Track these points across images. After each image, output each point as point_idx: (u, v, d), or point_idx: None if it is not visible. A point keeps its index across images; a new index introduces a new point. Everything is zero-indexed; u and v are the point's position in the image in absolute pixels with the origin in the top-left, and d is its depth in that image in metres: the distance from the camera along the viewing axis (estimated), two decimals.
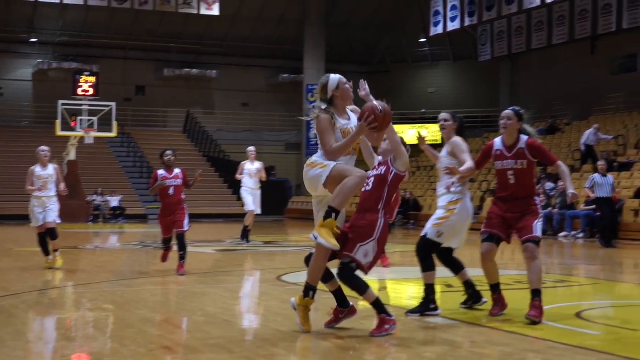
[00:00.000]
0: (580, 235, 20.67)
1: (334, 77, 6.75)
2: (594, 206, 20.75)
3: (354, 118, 6.78)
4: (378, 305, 6.41)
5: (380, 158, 7.06)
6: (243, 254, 15.61)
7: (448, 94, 38.89)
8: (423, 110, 38.16)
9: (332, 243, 6.32)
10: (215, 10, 34.52)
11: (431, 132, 35.54)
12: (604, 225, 18.15)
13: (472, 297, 7.81)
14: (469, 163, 7.54)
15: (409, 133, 37.32)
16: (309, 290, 6.54)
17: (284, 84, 39.94)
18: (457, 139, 7.73)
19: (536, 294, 7.14)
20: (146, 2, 33.64)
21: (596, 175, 17.89)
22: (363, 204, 6.62)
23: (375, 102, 6.62)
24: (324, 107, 6.65)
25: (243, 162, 17.29)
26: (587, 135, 25.70)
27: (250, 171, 17.04)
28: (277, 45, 39.58)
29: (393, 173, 6.66)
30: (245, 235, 17.25)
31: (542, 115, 31.95)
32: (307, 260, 6.68)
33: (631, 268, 14.30)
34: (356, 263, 6.36)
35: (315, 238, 6.39)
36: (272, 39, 39.45)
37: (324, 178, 6.44)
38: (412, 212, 28.25)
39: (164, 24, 37.37)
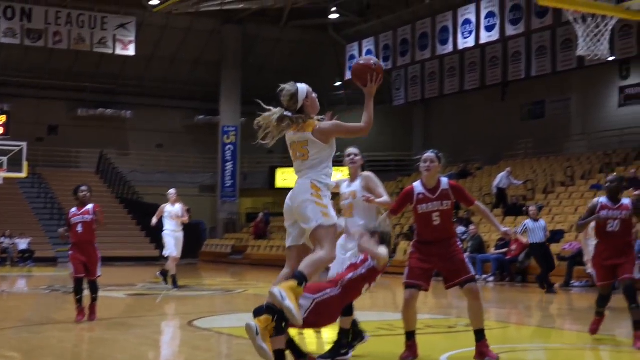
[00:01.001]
0: (491, 278, 20.98)
1: (303, 86, 6.57)
2: (504, 250, 21.15)
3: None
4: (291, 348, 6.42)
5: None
6: (155, 298, 15.39)
7: (362, 137, 39.15)
8: (338, 153, 38.32)
9: (298, 317, 5.88)
10: (131, 51, 34.31)
11: (345, 176, 35.79)
12: (543, 271, 17.94)
13: (357, 335, 7.78)
14: (386, 197, 7.64)
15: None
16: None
17: (200, 126, 39.81)
18: (371, 173, 7.82)
19: (481, 334, 7.33)
20: (60, 41, 33.24)
21: (528, 220, 18.10)
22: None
23: (363, 61, 6.59)
24: (286, 114, 6.42)
25: (163, 205, 17.06)
26: (500, 178, 26.23)
27: (171, 214, 16.85)
28: (193, 86, 39.47)
29: (371, 267, 6.61)
30: (174, 281, 16.89)
31: (454, 159, 32.49)
32: (257, 312, 6.42)
33: (540, 311, 14.55)
34: None
35: (282, 299, 5.85)
36: (188, 80, 39.35)
37: (315, 224, 6.16)
38: None
39: (78, 63, 36.94)
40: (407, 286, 7.46)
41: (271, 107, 6.55)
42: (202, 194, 38.57)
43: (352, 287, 6.52)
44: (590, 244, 13.25)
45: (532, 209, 18.46)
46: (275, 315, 5.89)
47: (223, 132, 37.34)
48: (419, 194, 7.59)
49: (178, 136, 39.87)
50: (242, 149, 37.56)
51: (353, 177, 7.89)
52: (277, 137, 6.50)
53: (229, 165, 37.35)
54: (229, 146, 37.30)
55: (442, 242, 7.47)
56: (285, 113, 6.41)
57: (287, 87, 6.56)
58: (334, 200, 6.49)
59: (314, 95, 6.58)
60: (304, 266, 6.09)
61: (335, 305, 6.41)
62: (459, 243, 7.60)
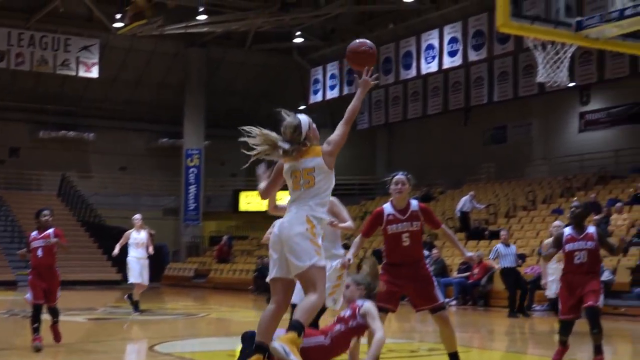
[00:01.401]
0: (453, 302, 21.05)
1: (305, 117, 6.44)
2: (467, 273, 21.25)
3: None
4: None
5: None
6: (116, 322, 15.24)
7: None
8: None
9: None
10: (94, 73, 34.15)
11: None
12: (511, 295, 17.98)
13: None
14: (350, 222, 7.68)
15: (286, 199, 37.54)
16: None
17: (163, 148, 39.64)
18: (334, 198, 7.81)
19: (455, 357, 7.36)
20: (23, 62, 33.02)
21: (499, 245, 18.18)
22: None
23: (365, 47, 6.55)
24: (287, 146, 6.24)
25: (128, 231, 16.81)
26: (463, 202, 26.37)
27: (137, 240, 16.63)
28: (157, 109, 39.32)
29: (360, 323, 6.52)
30: (135, 305, 16.71)
31: (417, 183, 32.62)
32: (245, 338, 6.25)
33: (502, 335, 14.61)
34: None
35: (287, 354, 5.71)
36: (152, 102, 39.20)
37: (309, 263, 5.90)
38: None
39: (41, 84, 36.69)
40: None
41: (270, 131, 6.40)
42: (165, 217, 38.34)
43: (340, 340, 6.45)
44: (550, 266, 13.37)
45: (503, 233, 18.57)
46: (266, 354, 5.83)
47: (187, 155, 37.21)
48: (388, 214, 7.64)
49: (141, 159, 39.67)
50: (205, 172, 37.45)
51: None
52: (267, 158, 6.38)
53: (193, 189, 37.19)
54: (192, 169, 37.16)
55: (412, 264, 7.52)
56: (289, 146, 6.24)
57: (289, 119, 6.39)
58: None
59: (314, 125, 6.49)
60: (299, 314, 5.91)
61: (323, 353, 6.36)
62: (428, 266, 7.66)
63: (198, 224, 37.61)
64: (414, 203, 7.68)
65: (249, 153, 6.37)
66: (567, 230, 8.97)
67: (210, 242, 37.89)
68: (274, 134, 6.31)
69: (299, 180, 6.20)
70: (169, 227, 37.75)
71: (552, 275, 13.49)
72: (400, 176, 7.68)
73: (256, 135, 6.33)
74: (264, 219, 41.58)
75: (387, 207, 7.70)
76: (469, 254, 7.94)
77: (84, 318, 15.94)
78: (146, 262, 16.72)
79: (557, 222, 12.63)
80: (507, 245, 18.06)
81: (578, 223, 8.92)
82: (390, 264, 7.63)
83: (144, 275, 16.66)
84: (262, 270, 28.41)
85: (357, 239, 7.67)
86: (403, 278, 7.47)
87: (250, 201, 38.11)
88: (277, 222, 6.16)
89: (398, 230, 7.56)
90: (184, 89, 37.88)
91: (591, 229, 8.88)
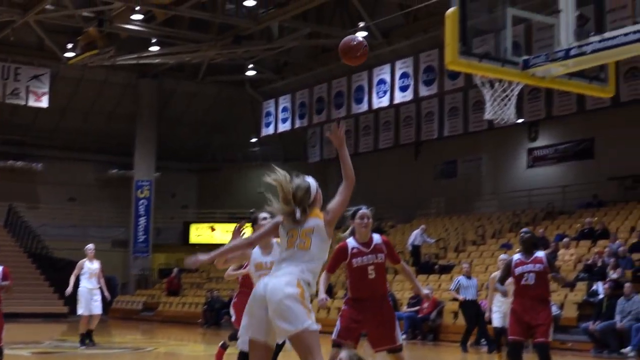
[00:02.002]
0: (403, 336, 21.02)
1: (313, 181, 6.14)
2: (417, 308, 21.30)
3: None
4: None
5: None
6: (62, 356, 14.99)
7: (277, 194, 39.16)
8: (252, 210, 38.16)
9: None
10: (44, 102, 33.80)
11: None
12: (468, 329, 18.03)
13: None
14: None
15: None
16: None
17: (113, 179, 39.28)
18: None
19: None
20: None
21: (461, 277, 18.24)
22: None
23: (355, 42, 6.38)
24: (299, 215, 5.94)
25: (81, 261, 16.63)
26: (415, 235, 26.48)
27: (90, 270, 16.46)
28: (107, 139, 39.00)
29: None
30: (89, 337, 16.48)
31: None
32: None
33: None
34: None
35: None
36: (102, 133, 38.88)
37: (302, 326, 5.55)
38: None
39: None
40: (335, 344, 7.44)
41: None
42: (114, 248, 37.91)
43: None
44: (497, 299, 13.32)
45: (465, 266, 18.67)
46: None
47: (137, 187, 36.93)
48: (352, 248, 7.61)
49: (91, 190, 39.26)
50: (156, 203, 37.18)
51: (268, 246, 7.54)
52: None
53: (142, 220, 36.88)
54: (142, 201, 36.87)
55: (376, 300, 7.48)
56: (300, 215, 5.95)
57: (299, 181, 6.11)
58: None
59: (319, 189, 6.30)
60: None
61: None
62: (391, 303, 7.64)
63: (147, 256, 37.27)
64: (377, 237, 7.70)
65: (269, 209, 6.15)
66: (516, 256, 9.14)
67: (160, 275, 37.54)
68: (290, 196, 6.00)
69: (295, 240, 5.91)
70: (118, 259, 37.34)
71: (496, 311, 13.47)
72: (364, 210, 7.68)
73: (279, 192, 6.05)
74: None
75: (351, 242, 7.68)
76: (426, 291, 7.96)
77: (29, 352, 15.64)
78: (99, 292, 16.55)
79: (503, 256, 12.75)
80: (468, 277, 18.14)
81: (527, 248, 9.05)
82: (355, 299, 7.59)
83: (98, 306, 16.46)
84: (212, 303, 28.26)
85: (322, 276, 7.59)
86: (366, 314, 7.43)
87: (201, 233, 37.92)
88: (261, 281, 5.81)
89: (363, 263, 7.53)
90: (135, 120, 37.67)
91: (540, 254, 9.02)
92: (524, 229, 9.52)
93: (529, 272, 8.87)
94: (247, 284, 7.98)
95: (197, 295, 31.59)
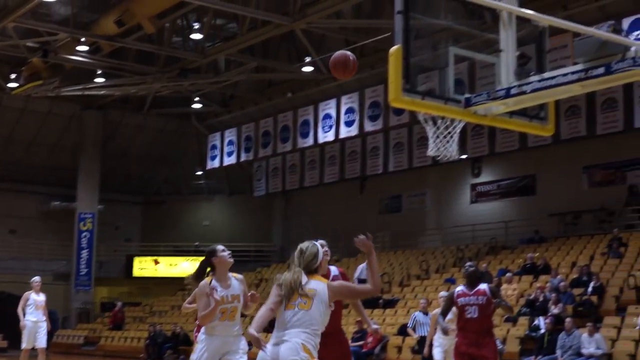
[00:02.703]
0: None
1: (319, 245, 6.32)
2: (361, 342, 21.30)
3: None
4: None
5: None
6: None
7: (223, 227, 39.15)
8: (197, 243, 38.09)
9: None
10: None
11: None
12: None
13: None
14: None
15: (182, 266, 37.11)
16: None
17: (56, 212, 38.74)
18: (241, 275, 7.72)
19: None
20: None
21: (418, 313, 18.23)
22: None
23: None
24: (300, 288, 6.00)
25: (27, 293, 16.40)
26: (360, 269, 26.26)
27: (37, 302, 16.23)
28: (50, 171, 38.51)
29: None
30: None
31: None
32: None
33: None
34: None
35: None
36: (45, 164, 38.37)
37: None
38: (183, 347, 27.74)
39: None
40: None
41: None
42: (55, 282, 37.28)
43: None
44: (438, 336, 13.29)
45: (422, 302, 18.68)
46: None
47: (79, 219, 36.45)
48: None
49: (32, 222, 38.66)
50: (98, 236, 36.74)
51: (225, 277, 7.50)
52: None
53: (85, 253, 36.39)
54: (85, 233, 36.40)
55: (333, 334, 7.33)
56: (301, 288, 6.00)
57: (307, 245, 6.22)
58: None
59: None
60: None
61: None
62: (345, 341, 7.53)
63: (89, 290, 36.74)
64: (334, 269, 7.69)
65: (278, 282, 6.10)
66: (459, 287, 9.15)
67: (102, 309, 37.03)
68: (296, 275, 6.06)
69: (295, 300, 5.94)
70: (59, 293, 36.71)
71: (437, 345, 13.43)
72: (323, 241, 7.68)
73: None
74: (157, 285, 41.01)
75: None
76: (375, 326, 7.91)
77: None
78: (44, 325, 16.32)
79: (443, 293, 12.79)
80: (425, 313, 18.14)
81: (471, 282, 9.08)
82: None
83: (43, 339, 16.23)
84: (155, 337, 27.92)
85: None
86: (324, 349, 7.38)
87: (144, 267, 37.54)
88: (269, 347, 5.81)
89: None
90: (79, 152, 37.28)
91: (483, 286, 9.02)
92: (468, 263, 9.56)
93: (472, 304, 8.88)
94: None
95: (140, 329, 31.20)
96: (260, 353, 5.83)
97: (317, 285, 5.97)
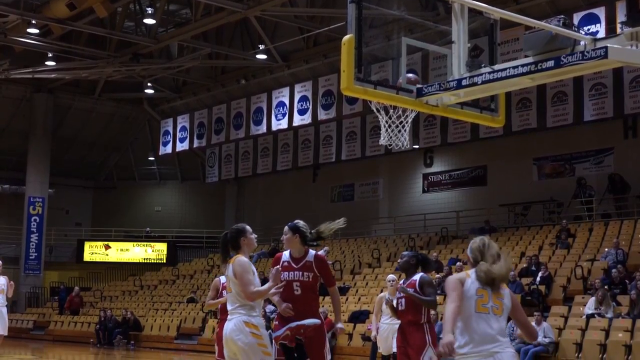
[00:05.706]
0: None
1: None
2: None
3: None
4: None
5: None
6: None
7: (174, 213, 38.98)
8: (148, 229, 37.89)
9: None
10: None
11: (155, 251, 35.36)
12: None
13: None
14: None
15: (134, 251, 36.91)
16: None
17: (5, 195, 38.23)
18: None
19: None
20: None
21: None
22: None
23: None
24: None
25: None
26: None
27: None
28: None
29: None
30: None
31: (266, 238, 32.69)
32: None
33: None
34: None
35: None
36: None
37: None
38: (133, 332, 27.64)
39: None
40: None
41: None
42: (4, 266, 36.67)
43: None
44: (384, 322, 13.15)
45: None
46: None
47: (29, 203, 36.03)
48: (284, 261, 7.55)
49: None
50: (48, 220, 36.35)
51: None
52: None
53: (34, 237, 36.00)
54: (34, 217, 36.00)
55: (300, 315, 7.31)
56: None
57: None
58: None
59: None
60: None
61: None
62: (321, 321, 7.46)
63: (39, 274, 36.37)
64: (311, 253, 7.57)
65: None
66: (402, 280, 9.05)
67: (51, 293, 36.67)
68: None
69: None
70: (8, 277, 36.26)
71: (384, 332, 13.23)
72: (285, 226, 7.69)
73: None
74: (108, 270, 40.58)
75: (286, 254, 7.63)
76: (340, 325, 7.78)
77: None
78: (5, 310, 15.97)
79: (391, 276, 12.71)
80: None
81: (404, 272, 8.94)
82: (282, 315, 7.44)
83: (4, 325, 15.80)
84: (105, 322, 27.76)
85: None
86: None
87: (95, 251, 37.25)
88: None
89: (289, 279, 7.41)
90: (29, 135, 36.80)
91: (416, 277, 8.78)
92: (404, 252, 9.35)
93: (401, 297, 8.77)
94: (226, 311, 7.62)
95: (90, 314, 30.98)
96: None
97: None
